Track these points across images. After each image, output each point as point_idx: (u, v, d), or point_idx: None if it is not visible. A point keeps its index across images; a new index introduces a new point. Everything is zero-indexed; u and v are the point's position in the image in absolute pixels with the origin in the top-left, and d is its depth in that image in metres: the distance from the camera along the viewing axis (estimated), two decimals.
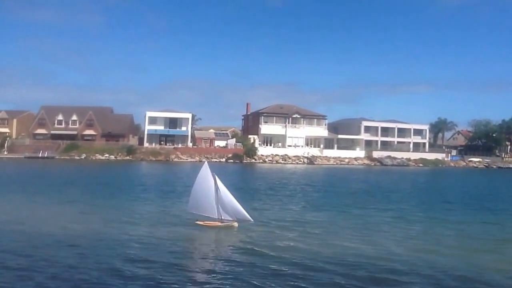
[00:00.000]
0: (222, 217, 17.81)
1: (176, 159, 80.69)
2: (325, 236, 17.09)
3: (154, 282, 11.10)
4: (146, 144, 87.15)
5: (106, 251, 14.10)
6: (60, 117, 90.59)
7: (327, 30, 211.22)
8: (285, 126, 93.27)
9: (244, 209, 17.82)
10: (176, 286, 10.93)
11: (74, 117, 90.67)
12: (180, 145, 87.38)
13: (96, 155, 79.99)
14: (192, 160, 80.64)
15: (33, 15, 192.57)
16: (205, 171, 18.13)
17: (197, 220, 17.96)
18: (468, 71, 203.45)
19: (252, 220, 17.76)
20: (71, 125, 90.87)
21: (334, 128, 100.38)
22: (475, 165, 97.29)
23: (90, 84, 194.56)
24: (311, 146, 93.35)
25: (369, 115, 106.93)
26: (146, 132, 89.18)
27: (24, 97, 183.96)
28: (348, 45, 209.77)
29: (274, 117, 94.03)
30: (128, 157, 79.91)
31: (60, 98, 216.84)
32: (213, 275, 11.95)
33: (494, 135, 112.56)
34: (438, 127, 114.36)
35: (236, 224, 17.77)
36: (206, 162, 18.76)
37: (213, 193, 17.68)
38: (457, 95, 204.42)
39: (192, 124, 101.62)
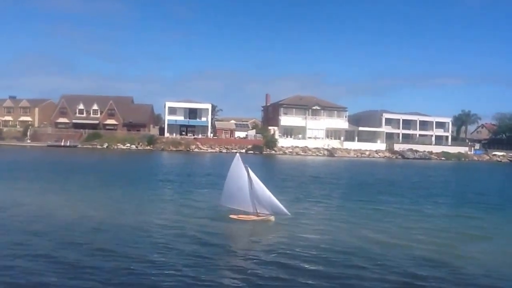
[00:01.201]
0: (258, 211, 17.45)
1: (196, 150, 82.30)
2: (362, 230, 16.67)
3: (188, 275, 11.00)
4: (166, 134, 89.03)
5: (140, 241, 14.10)
6: (81, 106, 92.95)
7: (353, 21, 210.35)
8: (305, 118, 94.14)
9: (280, 202, 17.42)
10: (210, 279, 10.79)
11: (95, 107, 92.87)
12: (200, 136, 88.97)
13: (118, 144, 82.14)
14: (212, 150, 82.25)
15: (58, 3, 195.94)
16: (237, 163, 17.69)
17: (231, 214, 17.60)
18: (495, 65, 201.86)
19: (289, 214, 17.37)
20: (92, 114, 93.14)
21: (355, 120, 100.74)
22: (499, 159, 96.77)
23: (115, 74, 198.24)
24: (331, 138, 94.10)
25: (394, 108, 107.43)
26: (166, 122, 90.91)
27: (47, 86, 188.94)
28: (374, 37, 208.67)
29: (294, 109, 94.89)
30: (149, 147, 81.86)
31: (83, 88, 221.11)
32: (250, 269, 11.64)
33: None
34: (461, 120, 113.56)
35: (272, 218, 17.43)
36: (238, 154, 18.23)
37: (247, 186, 17.33)
38: (484, 88, 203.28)
39: (213, 114, 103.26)
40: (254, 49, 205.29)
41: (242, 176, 17.44)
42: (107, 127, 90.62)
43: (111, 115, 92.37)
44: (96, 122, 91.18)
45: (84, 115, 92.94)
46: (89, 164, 47.59)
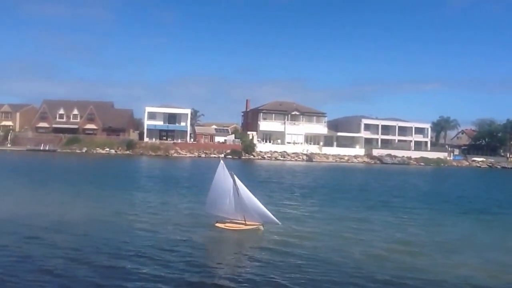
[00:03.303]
0: (246, 220, 17.24)
1: (175, 154, 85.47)
2: (355, 240, 16.72)
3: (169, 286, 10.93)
4: (146, 139, 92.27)
5: (116, 249, 14.06)
6: (61, 111, 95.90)
7: (336, 27, 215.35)
8: (284, 123, 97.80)
9: (269, 210, 17.40)
10: None
11: (75, 111, 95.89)
12: (179, 140, 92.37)
13: (97, 149, 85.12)
14: (191, 155, 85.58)
15: (40, 9, 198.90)
16: (222, 170, 17.47)
17: (216, 222, 17.37)
18: (476, 71, 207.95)
19: (279, 223, 17.15)
20: (72, 119, 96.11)
21: (334, 125, 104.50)
22: (478, 165, 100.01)
23: (98, 79, 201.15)
24: (310, 144, 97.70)
25: (377, 113, 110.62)
26: (145, 127, 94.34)
27: (30, 91, 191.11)
28: (357, 42, 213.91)
29: (273, 114, 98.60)
30: (128, 152, 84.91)
31: (66, 93, 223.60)
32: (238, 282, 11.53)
33: (498, 134, 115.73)
34: (440, 126, 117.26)
35: (261, 227, 17.24)
36: (222, 161, 17.92)
37: (232, 193, 17.14)
38: (464, 94, 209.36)
39: (194, 119, 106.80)
40: (238, 54, 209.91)
41: (228, 183, 17.28)
42: (87, 132, 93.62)
43: (90, 120, 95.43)
44: (76, 126, 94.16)
45: (64, 119, 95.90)
46: (66, 168, 50.05)
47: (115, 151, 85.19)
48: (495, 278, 12.84)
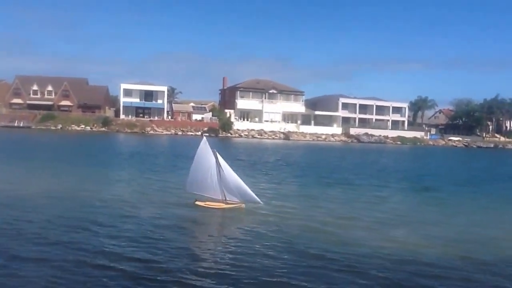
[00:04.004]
0: (227, 198, 17.06)
1: (151, 132, 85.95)
2: (297, 216, 16.81)
3: (145, 266, 10.65)
4: (122, 116, 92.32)
5: (98, 230, 13.56)
6: (35, 87, 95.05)
7: (319, 7, 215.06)
8: (262, 101, 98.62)
9: (251, 189, 17.20)
10: (168, 270, 10.44)
11: (50, 88, 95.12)
12: (156, 118, 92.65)
13: (72, 125, 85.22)
14: (167, 133, 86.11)
15: None
16: (205, 147, 17.15)
17: (196, 201, 17.16)
18: (456, 52, 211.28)
19: (261, 202, 17.03)
20: (47, 95, 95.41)
21: (312, 104, 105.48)
22: (454, 144, 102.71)
23: (75, 55, 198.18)
24: (288, 122, 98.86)
25: (358, 92, 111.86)
26: (121, 104, 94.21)
27: (3, 67, 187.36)
28: (339, 23, 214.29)
29: (251, 92, 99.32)
30: (103, 129, 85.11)
31: (42, 69, 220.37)
32: (216, 264, 11.26)
33: (475, 114, 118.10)
34: (417, 106, 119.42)
35: (243, 205, 17.09)
36: (204, 138, 17.67)
37: (215, 171, 16.88)
38: (444, 74, 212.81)
39: (172, 97, 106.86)
40: (218, 32, 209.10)
41: (210, 161, 16.98)
42: (62, 109, 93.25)
43: (65, 96, 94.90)
44: (51, 103, 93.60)
45: (39, 96, 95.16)
46: (39, 144, 50.18)
47: (91, 128, 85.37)
48: (424, 252, 12.88)
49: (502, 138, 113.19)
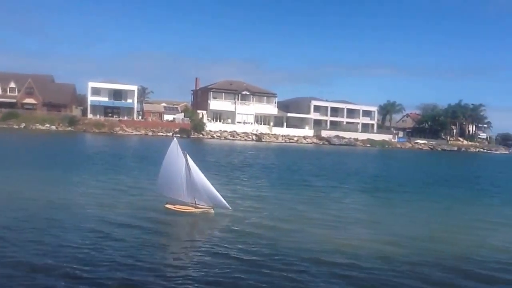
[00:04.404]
0: (197, 202, 16.80)
1: (120, 132, 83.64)
2: (240, 217, 16.70)
3: (114, 274, 10.26)
4: (90, 116, 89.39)
5: (63, 235, 13.10)
6: None
7: (292, 11, 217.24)
8: (235, 103, 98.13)
9: (221, 194, 16.96)
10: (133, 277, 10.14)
11: (12, 84, 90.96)
12: (126, 118, 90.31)
13: (37, 125, 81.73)
14: (137, 133, 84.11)
15: None
16: (175, 148, 16.80)
17: (166, 203, 16.93)
18: (424, 58, 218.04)
19: (230, 208, 16.75)
20: (9, 92, 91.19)
21: (284, 106, 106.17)
22: (420, 147, 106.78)
23: (38, 52, 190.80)
24: (260, 124, 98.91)
25: (329, 96, 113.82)
26: (89, 103, 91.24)
27: None
28: (313, 27, 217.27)
29: (223, 93, 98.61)
30: (69, 128, 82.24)
31: (2, 65, 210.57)
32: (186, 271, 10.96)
33: (440, 118, 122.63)
34: (386, 109, 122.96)
35: (212, 210, 16.81)
36: (175, 139, 17.27)
37: (184, 174, 16.59)
38: (412, 80, 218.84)
39: (143, 97, 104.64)
40: (191, 32, 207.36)
41: (180, 163, 16.70)
42: (26, 107, 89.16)
43: (29, 94, 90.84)
44: (14, 101, 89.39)
45: (0, 93, 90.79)
46: (3, 144, 48.14)
47: (56, 128, 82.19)
48: (361, 250, 13.31)
49: (465, 142, 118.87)
